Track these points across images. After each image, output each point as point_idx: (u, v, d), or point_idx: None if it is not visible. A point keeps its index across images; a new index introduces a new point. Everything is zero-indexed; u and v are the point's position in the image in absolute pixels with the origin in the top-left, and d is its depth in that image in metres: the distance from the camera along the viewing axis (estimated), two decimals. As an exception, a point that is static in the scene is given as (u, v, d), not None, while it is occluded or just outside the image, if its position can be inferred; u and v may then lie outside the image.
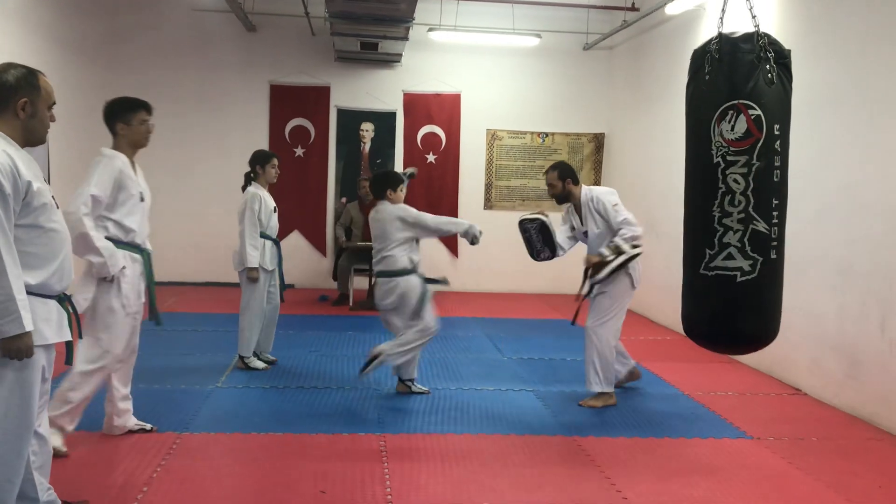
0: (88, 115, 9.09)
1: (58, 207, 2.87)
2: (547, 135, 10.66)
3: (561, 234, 5.51)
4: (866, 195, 5.29)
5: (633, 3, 9.25)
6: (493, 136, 10.59)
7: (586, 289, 5.45)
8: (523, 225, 5.45)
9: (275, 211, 6.07)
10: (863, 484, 4.12)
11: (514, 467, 4.20)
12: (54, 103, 2.90)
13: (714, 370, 6.48)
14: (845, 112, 5.53)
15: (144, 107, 4.19)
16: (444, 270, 10.52)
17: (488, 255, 9.62)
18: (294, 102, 10.27)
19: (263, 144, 10.08)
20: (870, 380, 5.18)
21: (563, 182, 5.42)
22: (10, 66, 2.80)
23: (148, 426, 4.47)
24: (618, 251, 5.21)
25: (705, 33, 7.77)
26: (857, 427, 5.09)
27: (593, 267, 5.32)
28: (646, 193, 8.88)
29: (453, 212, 10.42)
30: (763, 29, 3.18)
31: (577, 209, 5.48)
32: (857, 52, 5.44)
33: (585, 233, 5.46)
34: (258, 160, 6.01)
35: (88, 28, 9.18)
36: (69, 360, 3.11)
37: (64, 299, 2.91)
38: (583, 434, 4.76)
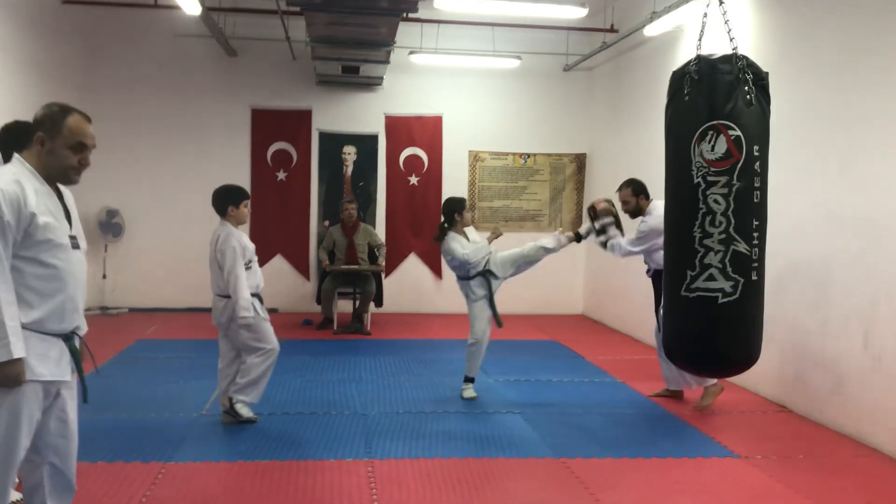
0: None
1: (76, 248, 2.84)
2: (529, 156, 10.72)
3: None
4: (842, 211, 5.35)
5: (612, 25, 9.36)
6: (475, 158, 10.63)
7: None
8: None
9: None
10: (851, 501, 4.13)
11: (503, 491, 4.17)
12: (83, 144, 2.83)
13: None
14: (820, 130, 5.61)
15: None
16: (429, 292, 10.58)
17: (472, 277, 9.60)
18: (276, 126, 10.26)
19: (245, 169, 10.11)
20: (854, 396, 5.21)
21: (637, 197, 5.89)
22: (52, 104, 2.87)
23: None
24: (604, 228, 5.90)
25: (684, 54, 7.86)
26: (843, 444, 5.11)
27: (599, 210, 5.94)
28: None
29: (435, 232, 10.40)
30: (740, 51, 3.22)
31: None
32: (831, 71, 5.52)
33: None
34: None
35: (67, 52, 9.15)
36: (86, 398, 2.98)
37: (70, 339, 2.86)
38: (570, 456, 4.74)
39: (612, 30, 9.35)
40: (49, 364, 2.76)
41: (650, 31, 7.90)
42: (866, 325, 5.10)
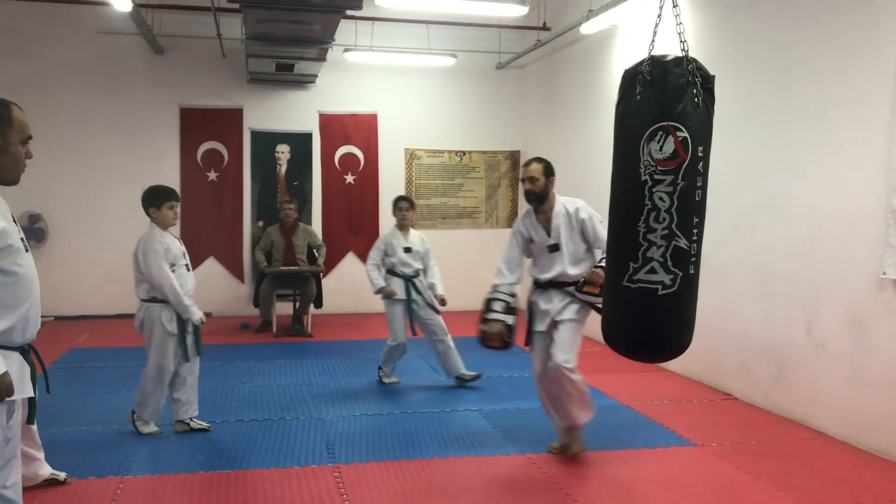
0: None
1: (27, 250, 2.64)
2: (464, 153, 10.75)
3: (511, 258, 4.83)
4: (786, 204, 5.55)
5: (545, 23, 9.47)
6: (411, 156, 10.60)
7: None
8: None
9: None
10: (807, 483, 4.30)
11: (475, 490, 4.17)
12: (30, 137, 2.66)
13: (645, 379, 6.64)
14: (762, 125, 5.80)
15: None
16: (367, 292, 10.43)
17: (412, 275, 9.58)
18: (206, 125, 9.98)
19: (175, 169, 9.81)
20: (798, 382, 5.42)
21: (548, 179, 4.72)
22: None
23: (62, 476, 4.11)
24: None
25: (618, 52, 8.03)
26: (791, 428, 5.31)
27: (594, 285, 4.59)
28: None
29: (374, 232, 10.38)
30: (679, 48, 3.29)
31: (546, 218, 4.75)
32: (770, 67, 5.72)
33: (554, 246, 4.70)
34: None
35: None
36: (31, 419, 2.78)
37: (28, 351, 2.68)
38: (534, 452, 4.78)
39: (544, 27, 9.45)
40: (13, 380, 2.57)
41: (587, 28, 8.02)
42: (809, 313, 5.32)
